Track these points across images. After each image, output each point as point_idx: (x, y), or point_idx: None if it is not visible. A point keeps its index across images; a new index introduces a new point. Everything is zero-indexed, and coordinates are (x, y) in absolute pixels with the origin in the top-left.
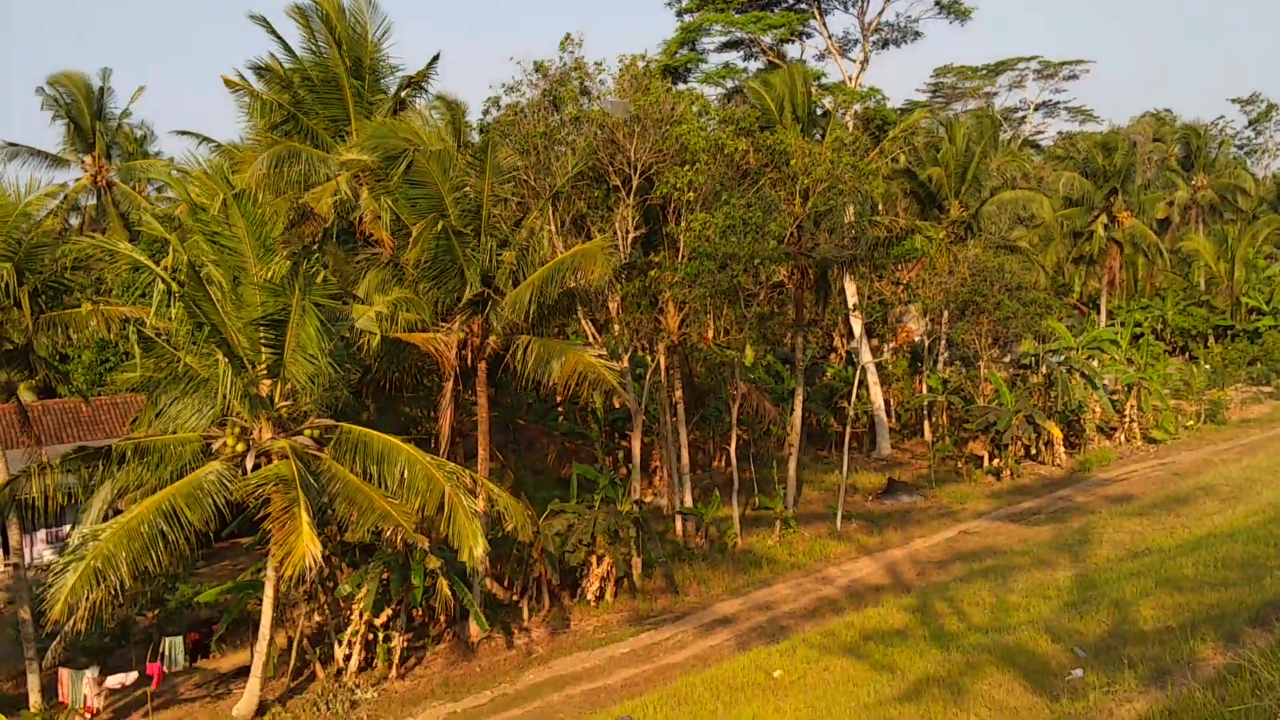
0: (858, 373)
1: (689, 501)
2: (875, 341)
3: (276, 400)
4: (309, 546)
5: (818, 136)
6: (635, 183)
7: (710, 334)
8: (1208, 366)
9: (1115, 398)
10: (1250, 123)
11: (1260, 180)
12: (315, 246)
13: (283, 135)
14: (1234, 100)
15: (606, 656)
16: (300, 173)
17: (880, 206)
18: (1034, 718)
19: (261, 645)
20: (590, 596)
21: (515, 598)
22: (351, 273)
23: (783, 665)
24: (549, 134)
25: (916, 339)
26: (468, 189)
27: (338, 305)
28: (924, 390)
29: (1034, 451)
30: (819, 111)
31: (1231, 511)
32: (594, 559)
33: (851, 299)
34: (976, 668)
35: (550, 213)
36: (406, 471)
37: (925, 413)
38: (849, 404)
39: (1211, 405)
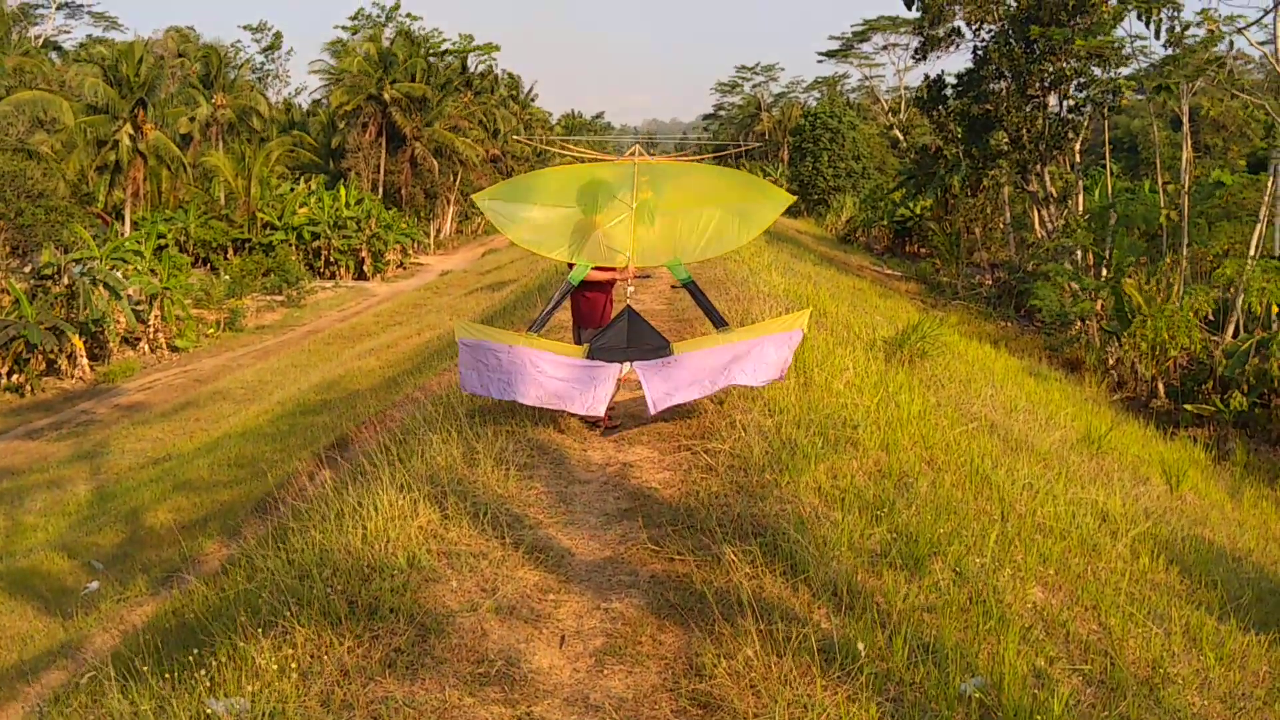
0: None
1: None
2: None
3: None
4: None
5: None
6: None
7: None
8: (227, 277)
9: (139, 308)
10: (263, 50)
11: (273, 105)
12: None
13: None
14: (246, 27)
15: None
16: None
17: None
18: (48, 640)
19: None
20: None
21: None
22: None
23: None
24: None
25: None
26: None
27: None
28: None
29: (58, 365)
30: None
31: (246, 412)
32: None
33: None
34: None
35: None
36: None
37: None
38: None
39: (231, 314)
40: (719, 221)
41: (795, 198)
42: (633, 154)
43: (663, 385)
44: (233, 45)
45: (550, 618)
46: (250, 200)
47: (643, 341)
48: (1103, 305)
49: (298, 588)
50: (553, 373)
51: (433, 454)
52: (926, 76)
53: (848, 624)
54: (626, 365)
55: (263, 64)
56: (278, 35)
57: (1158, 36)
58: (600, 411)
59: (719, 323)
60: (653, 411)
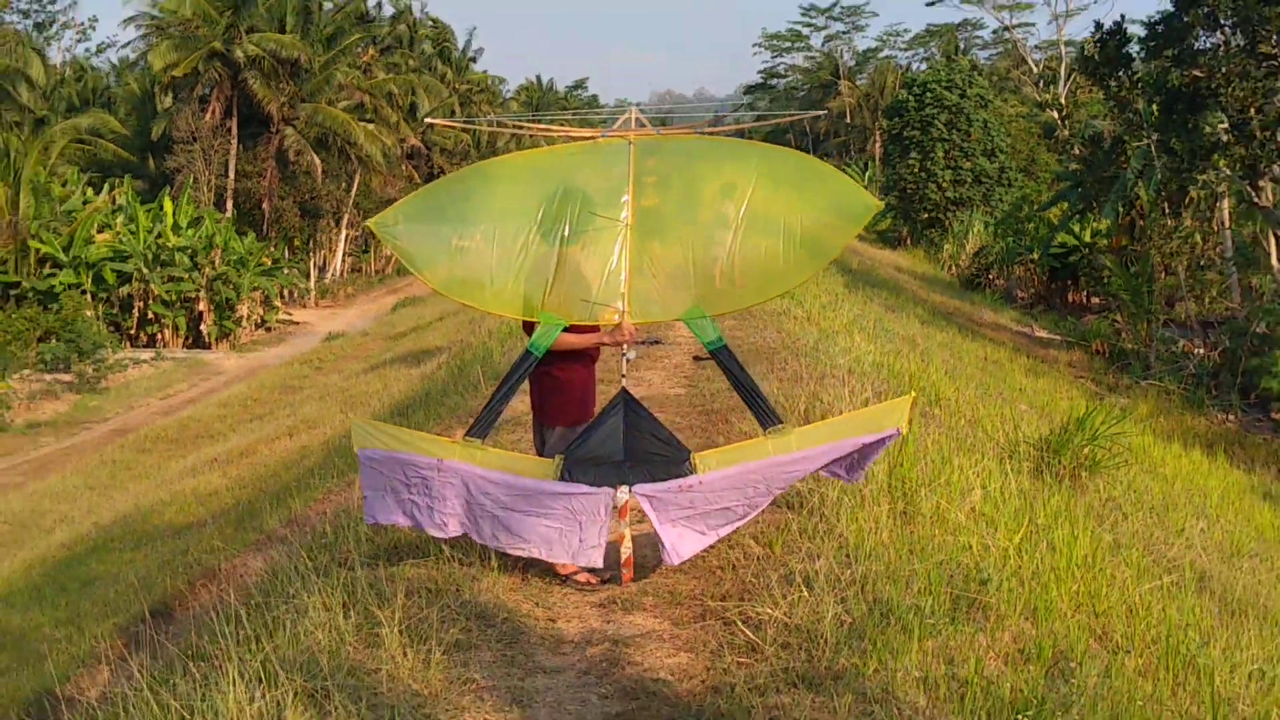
0: None
1: None
2: None
3: None
4: None
5: None
6: None
7: None
8: None
9: None
10: None
11: (53, 66)
12: None
13: None
14: None
15: None
16: None
17: None
18: None
19: None
20: None
21: None
22: None
23: None
24: None
25: None
26: None
27: None
28: None
29: None
30: None
31: (9, 562)
32: None
33: None
34: None
35: None
36: None
37: None
38: None
39: None
40: (760, 243)
41: (881, 204)
42: (627, 122)
43: (683, 521)
44: None
45: None
46: (18, 221)
47: (648, 450)
48: None
49: None
50: (511, 503)
51: (309, 627)
52: (1098, 25)
53: None
54: (624, 490)
55: (44, 2)
56: None
57: None
58: (595, 560)
59: (767, 417)
60: (672, 562)
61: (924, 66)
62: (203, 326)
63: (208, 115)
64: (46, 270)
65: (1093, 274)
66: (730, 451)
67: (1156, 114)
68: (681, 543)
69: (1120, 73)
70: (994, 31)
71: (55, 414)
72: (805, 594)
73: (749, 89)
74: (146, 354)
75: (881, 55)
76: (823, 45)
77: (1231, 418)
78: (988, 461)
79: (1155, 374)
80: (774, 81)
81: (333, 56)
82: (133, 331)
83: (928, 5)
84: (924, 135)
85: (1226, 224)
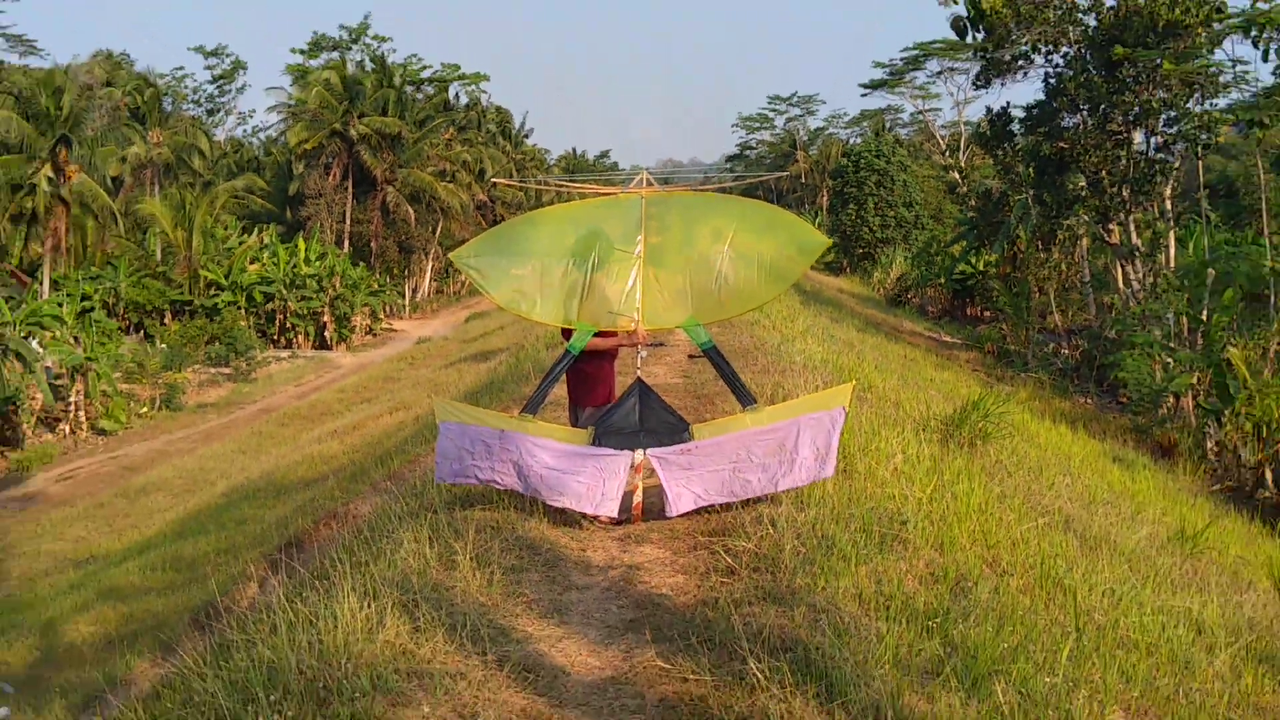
0: None
1: None
2: None
3: None
4: None
5: None
6: None
7: None
8: (164, 346)
9: (59, 383)
10: (215, 79)
11: (220, 142)
12: None
13: None
14: (197, 50)
15: None
16: None
17: None
18: None
19: None
20: None
21: None
22: None
23: None
24: None
25: None
26: None
27: None
28: None
29: None
30: None
31: (184, 506)
32: None
33: None
34: None
35: None
36: None
37: None
38: None
39: (168, 389)
40: (739, 270)
41: (830, 241)
42: (640, 182)
43: (684, 481)
44: (175, 72)
45: None
46: (191, 255)
47: (657, 423)
48: (1199, 378)
49: (241, 714)
50: (553, 464)
51: (403, 555)
52: (989, 109)
53: None
54: (639, 453)
55: (213, 94)
56: (237, 62)
57: (1265, 59)
58: (612, 511)
59: (745, 398)
60: (672, 514)
61: (859, 140)
62: (326, 333)
63: (330, 178)
64: (212, 292)
65: (985, 294)
66: (718, 424)
67: (1032, 175)
68: (680, 500)
69: (1005, 144)
70: (911, 114)
71: (217, 398)
72: (771, 531)
73: (729, 158)
74: (285, 353)
75: (828, 133)
76: (784, 125)
77: (1089, 401)
78: (907, 434)
79: (1032, 369)
80: (748, 152)
81: (423, 134)
82: (275, 337)
83: (862, 96)
84: (859, 191)
85: (1085, 257)
